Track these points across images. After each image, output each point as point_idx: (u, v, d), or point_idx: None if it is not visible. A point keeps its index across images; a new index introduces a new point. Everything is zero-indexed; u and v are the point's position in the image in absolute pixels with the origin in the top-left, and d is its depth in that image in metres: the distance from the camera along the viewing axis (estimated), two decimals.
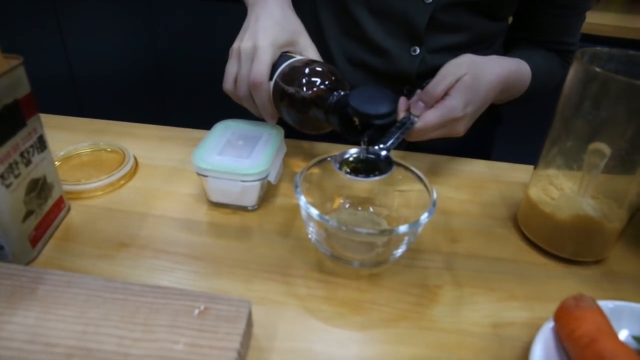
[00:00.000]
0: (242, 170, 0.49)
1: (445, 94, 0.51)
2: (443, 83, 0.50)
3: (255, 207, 0.53)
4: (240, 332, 0.35)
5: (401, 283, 0.45)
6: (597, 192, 0.46)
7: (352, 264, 0.45)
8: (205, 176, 0.50)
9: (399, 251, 0.44)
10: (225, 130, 0.56)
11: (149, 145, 0.64)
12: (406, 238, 0.43)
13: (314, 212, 0.41)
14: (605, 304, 0.38)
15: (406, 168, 0.48)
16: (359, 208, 0.52)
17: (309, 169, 0.48)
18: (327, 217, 0.41)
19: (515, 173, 0.63)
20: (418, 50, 0.64)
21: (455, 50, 0.56)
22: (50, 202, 0.47)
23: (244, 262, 0.46)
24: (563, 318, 0.36)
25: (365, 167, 0.46)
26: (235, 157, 0.51)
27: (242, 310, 0.37)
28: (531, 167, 0.52)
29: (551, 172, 0.49)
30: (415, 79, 0.66)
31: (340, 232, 0.42)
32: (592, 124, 0.43)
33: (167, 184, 0.57)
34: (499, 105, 0.74)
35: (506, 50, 0.74)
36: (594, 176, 0.44)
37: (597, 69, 0.40)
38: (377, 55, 0.66)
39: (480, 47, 0.67)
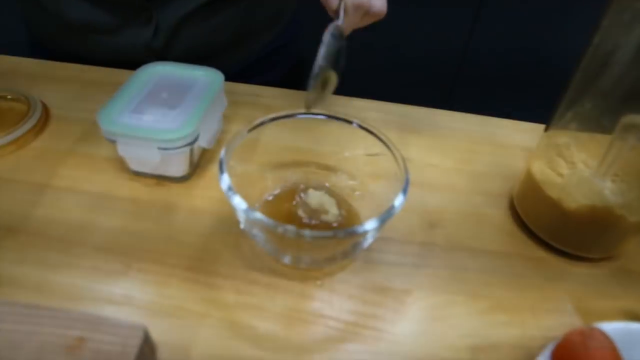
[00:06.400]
0: (160, 135, 0.37)
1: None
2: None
3: (186, 177, 0.42)
4: None
5: (358, 287, 0.35)
6: (623, 174, 0.35)
7: (298, 262, 0.35)
8: (114, 141, 0.38)
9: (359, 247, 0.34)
10: (149, 77, 0.44)
11: (67, 91, 0.52)
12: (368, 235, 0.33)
13: (239, 203, 0.30)
14: (616, 327, 0.29)
15: (374, 134, 0.37)
16: (315, 179, 0.41)
17: (250, 130, 0.36)
18: (254, 210, 0.30)
19: (518, 134, 0.50)
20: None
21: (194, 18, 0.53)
22: None
23: (161, 256, 0.36)
24: (564, 359, 0.27)
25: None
26: (153, 114, 0.39)
27: (130, 341, 0.27)
28: (539, 126, 0.40)
29: (562, 140, 0.38)
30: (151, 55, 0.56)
31: (274, 230, 0.32)
32: (626, 84, 0.31)
33: (82, 144, 0.45)
34: None
35: None
36: (620, 154, 0.33)
37: None
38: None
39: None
